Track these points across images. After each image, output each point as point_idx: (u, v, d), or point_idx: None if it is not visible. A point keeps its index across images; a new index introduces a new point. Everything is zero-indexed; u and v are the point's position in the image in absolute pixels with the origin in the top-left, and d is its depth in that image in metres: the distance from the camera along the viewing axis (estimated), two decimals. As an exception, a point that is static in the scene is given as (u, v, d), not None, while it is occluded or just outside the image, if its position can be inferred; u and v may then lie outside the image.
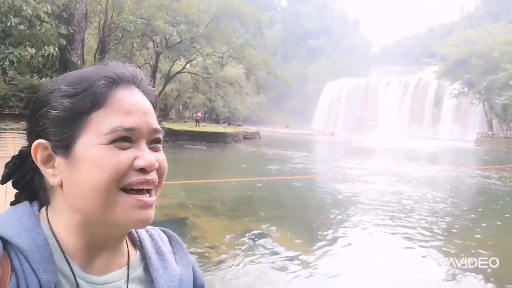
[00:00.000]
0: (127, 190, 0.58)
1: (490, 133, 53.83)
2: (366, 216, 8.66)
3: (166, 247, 0.73)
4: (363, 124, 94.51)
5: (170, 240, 0.76)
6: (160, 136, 0.63)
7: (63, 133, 0.59)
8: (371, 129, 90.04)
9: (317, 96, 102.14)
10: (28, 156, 0.63)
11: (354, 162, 21.04)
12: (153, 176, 0.60)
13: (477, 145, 49.70)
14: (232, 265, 5.23)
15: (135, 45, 25.80)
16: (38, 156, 0.60)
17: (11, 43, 15.76)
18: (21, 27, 14.67)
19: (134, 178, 0.57)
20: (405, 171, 17.77)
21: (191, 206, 8.58)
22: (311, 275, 5.19)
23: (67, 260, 0.59)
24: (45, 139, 0.60)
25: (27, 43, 15.80)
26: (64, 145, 0.59)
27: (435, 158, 30.09)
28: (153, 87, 0.69)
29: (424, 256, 6.14)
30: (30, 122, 0.63)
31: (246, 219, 7.67)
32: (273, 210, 8.90)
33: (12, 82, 18.78)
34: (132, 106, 0.60)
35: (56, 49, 15.73)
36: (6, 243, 0.55)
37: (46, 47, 15.41)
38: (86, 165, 0.57)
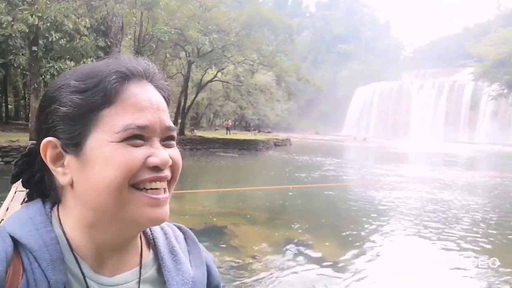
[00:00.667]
0: (140, 188, 0.56)
1: (532, 136, 51.28)
2: (405, 225, 8.37)
3: (180, 245, 0.70)
4: (396, 129, 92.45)
5: (185, 237, 0.73)
6: (174, 133, 0.61)
7: (73, 131, 0.57)
8: (405, 134, 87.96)
9: (347, 101, 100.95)
10: (37, 154, 0.61)
11: (388, 168, 20.54)
12: (166, 173, 0.58)
13: (519, 149, 47.48)
14: (276, 276, 5.16)
15: (167, 55, 26.34)
16: (47, 155, 0.58)
17: (52, 57, 16.45)
18: (62, 41, 15.28)
19: (147, 176, 0.56)
20: (444, 177, 17.16)
21: (228, 214, 8.58)
22: (353, 283, 5.07)
23: (77, 260, 0.58)
24: (54, 136, 0.58)
25: (67, 56, 16.44)
26: (74, 143, 0.57)
27: (475, 163, 28.95)
28: (166, 81, 0.66)
29: (465, 270, 5.85)
30: (39, 119, 0.61)
31: (285, 228, 7.59)
32: (311, 219, 8.76)
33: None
34: (145, 102, 0.58)
35: (94, 61, 16.25)
36: (17, 242, 0.55)
37: (84, 60, 15.98)
38: (98, 163, 0.55)
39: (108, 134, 0.55)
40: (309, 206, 10.46)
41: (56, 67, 15.28)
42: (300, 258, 5.91)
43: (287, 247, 6.36)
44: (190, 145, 26.21)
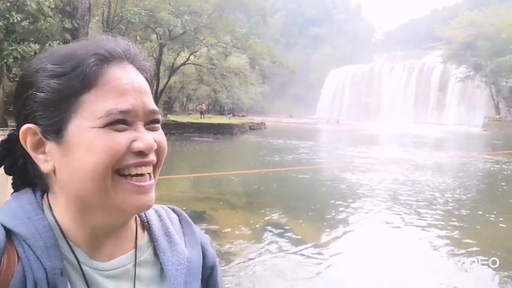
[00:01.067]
0: (125, 174, 0.55)
1: (497, 117, 53.36)
2: (380, 206, 8.56)
3: (175, 227, 0.69)
4: (368, 111, 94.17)
5: (180, 219, 0.71)
6: (158, 116, 0.59)
7: (53, 117, 0.55)
8: (376, 116, 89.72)
9: (320, 84, 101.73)
10: (18, 140, 0.58)
11: (361, 150, 20.90)
12: (152, 157, 0.57)
13: (484, 130, 49.34)
14: (257, 259, 5.17)
15: (138, 38, 25.62)
16: (27, 142, 0.57)
17: (14, 39, 15.61)
18: (25, 23, 14.51)
19: (132, 161, 0.55)
20: (415, 158, 17.62)
21: (206, 199, 8.53)
22: (332, 265, 5.16)
23: (70, 247, 0.57)
24: (33, 123, 0.56)
25: (31, 39, 15.65)
26: (54, 130, 0.55)
27: (443, 144, 29.87)
28: (147, 61, 0.63)
29: (435, 248, 6.04)
30: (17, 104, 0.59)
31: (263, 212, 7.60)
32: (287, 202, 8.83)
33: (16, 79, 18.69)
34: (127, 85, 0.55)
35: (61, 44, 15.59)
36: (10, 231, 0.54)
37: (50, 42, 15.27)
38: (80, 150, 0.53)
39: (90, 120, 0.53)
40: (285, 190, 10.52)
41: (19, 50, 14.53)
42: (279, 241, 5.94)
43: (266, 230, 6.38)
44: (164, 130, 23.76)
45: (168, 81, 30.05)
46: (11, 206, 0.58)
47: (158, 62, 27.14)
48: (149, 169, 0.57)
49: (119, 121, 0.54)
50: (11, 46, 14.92)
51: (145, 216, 0.67)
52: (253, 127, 37.75)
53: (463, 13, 68.57)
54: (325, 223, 7.13)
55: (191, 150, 19.91)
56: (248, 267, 4.94)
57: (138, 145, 0.54)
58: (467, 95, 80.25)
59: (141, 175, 0.56)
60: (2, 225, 0.54)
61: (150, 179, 0.57)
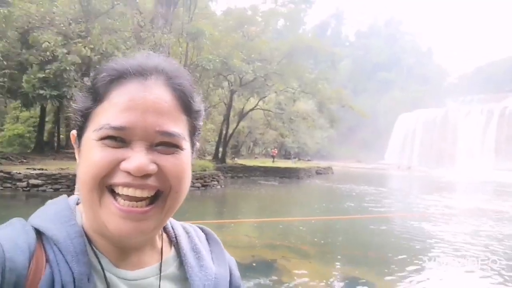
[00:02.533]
0: (116, 193, 0.55)
1: None
2: (463, 263, 7.60)
3: (203, 244, 0.70)
4: (441, 157, 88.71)
5: (208, 238, 0.73)
6: (173, 140, 0.56)
7: (79, 126, 0.60)
8: (451, 162, 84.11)
9: (389, 129, 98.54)
10: None
11: (437, 199, 19.35)
12: (149, 182, 0.54)
13: None
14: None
15: (211, 85, 26.84)
16: (74, 145, 0.62)
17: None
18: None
19: (120, 180, 0.54)
20: (497, 208, 15.87)
21: (276, 246, 8.17)
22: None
23: (95, 254, 0.58)
24: (75, 129, 0.62)
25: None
26: (79, 137, 0.60)
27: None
28: (187, 77, 0.62)
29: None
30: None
31: (338, 263, 7.08)
32: (363, 252, 8.18)
33: None
34: (130, 102, 0.55)
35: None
36: (41, 235, 0.56)
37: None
38: (81, 159, 0.58)
39: (92, 132, 0.57)
40: (358, 239, 9.85)
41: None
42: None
43: (344, 283, 5.87)
44: (232, 173, 26.15)
45: (237, 126, 30.82)
46: (46, 211, 0.61)
47: (229, 108, 28.05)
48: (144, 193, 0.54)
49: (113, 137, 0.54)
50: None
51: (173, 232, 0.68)
52: (319, 172, 37.04)
53: (548, 54, 63.78)
54: (401, 278, 6.43)
55: (256, 193, 19.78)
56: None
57: (124, 166, 0.54)
58: (557, 140, 72.78)
59: (134, 197, 0.54)
60: (34, 228, 0.57)
61: (147, 205, 0.55)
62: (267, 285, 5.51)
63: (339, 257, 7.62)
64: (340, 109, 33.13)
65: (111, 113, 0.55)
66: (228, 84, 27.01)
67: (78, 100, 0.59)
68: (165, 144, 0.55)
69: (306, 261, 7.17)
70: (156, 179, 0.54)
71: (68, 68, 14.62)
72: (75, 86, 18.40)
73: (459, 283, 6.46)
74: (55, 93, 19.88)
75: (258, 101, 28.60)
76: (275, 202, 17.09)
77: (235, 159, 34.15)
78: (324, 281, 5.96)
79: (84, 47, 13.82)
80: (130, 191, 0.54)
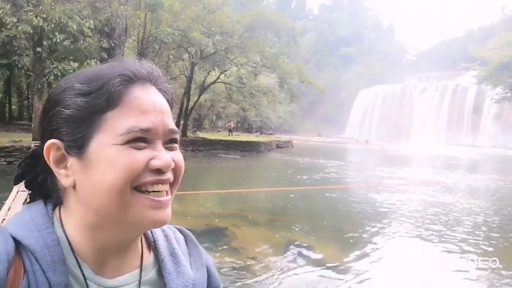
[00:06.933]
0: (142, 190, 0.57)
1: (535, 139, 51.01)
2: (407, 228, 8.37)
3: (181, 248, 0.71)
4: (399, 132, 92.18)
5: (186, 240, 0.73)
6: (177, 136, 0.61)
7: (77, 133, 0.57)
8: (407, 136, 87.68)
9: (350, 104, 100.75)
10: (40, 156, 0.61)
11: (390, 170, 20.51)
12: (169, 176, 0.58)
13: (522, 153, 47.25)
14: (277, 277, 5.18)
15: (171, 57, 26.43)
16: (50, 157, 0.59)
17: (56, 58, 16.52)
18: (66, 42, 15.35)
19: (150, 178, 0.56)
20: (446, 180, 17.12)
21: (230, 215, 8.61)
22: (355, 285, 5.08)
23: (78, 261, 0.58)
24: (58, 139, 0.58)
25: (71, 57, 16.51)
26: (77, 145, 0.57)
27: (477, 167, 28.86)
28: (169, 84, 0.66)
29: (467, 272, 5.85)
30: (43, 121, 0.61)
31: (286, 230, 7.61)
32: (312, 220, 8.77)
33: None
34: (148, 105, 0.58)
35: (98, 62, 16.35)
36: (18, 243, 0.55)
37: (88, 61, 16.05)
38: (101, 165, 0.55)
39: (111, 137, 0.55)
40: (311, 208, 10.47)
41: (59, 68, 15.34)
42: (302, 260, 5.92)
43: (289, 248, 6.38)
44: (193, 147, 26.25)
45: (198, 99, 30.69)
46: (22, 217, 0.60)
47: (189, 80, 27.81)
48: (166, 187, 0.59)
49: (139, 139, 0.56)
50: (53, 64, 15.79)
51: (152, 236, 0.69)
52: (280, 145, 37.73)
53: (499, 34, 66.77)
54: (350, 243, 7.06)
55: (218, 166, 20.15)
56: (269, 285, 4.95)
57: (156, 163, 0.56)
58: (504, 117, 77.39)
59: (158, 191, 0.58)
60: (12, 236, 0.56)
61: (167, 195, 0.59)
62: (216, 249, 5.93)
63: (288, 224, 8.15)
64: (302, 84, 33.63)
65: (133, 116, 0.56)
66: (189, 56, 26.69)
67: (76, 107, 0.57)
68: (172, 141, 0.61)
69: (255, 228, 7.65)
70: (171, 173, 0.59)
71: (18, 36, 14.03)
72: (27, 55, 17.70)
73: (404, 247, 7.14)
74: (4, 61, 19.01)
75: (220, 75, 28.50)
76: (234, 175, 17.53)
77: (197, 132, 34.13)
78: (268, 245, 6.46)
79: (36, 16, 13.27)
80: (160, 187, 0.57)
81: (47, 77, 15.96)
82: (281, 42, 34.24)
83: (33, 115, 17.28)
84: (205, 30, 23.19)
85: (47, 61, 16.12)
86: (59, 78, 16.21)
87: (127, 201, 0.55)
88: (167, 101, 0.63)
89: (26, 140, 15.18)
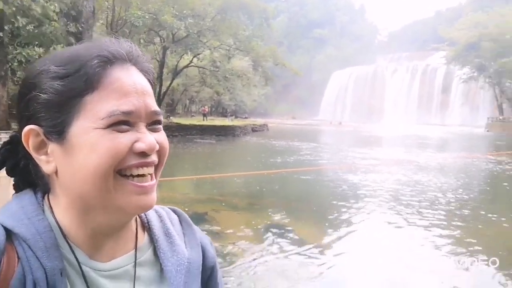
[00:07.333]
0: (127, 175, 0.55)
1: (500, 117, 53.11)
2: (382, 207, 8.59)
3: (175, 228, 0.70)
4: (371, 113, 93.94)
5: (180, 219, 0.72)
6: (160, 117, 0.60)
7: (56, 118, 0.55)
8: (379, 117, 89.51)
9: (323, 86, 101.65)
10: (20, 142, 0.59)
11: (364, 151, 20.90)
12: (153, 158, 0.57)
13: (488, 130, 49.14)
14: (258, 260, 5.22)
15: (141, 41, 25.77)
16: (29, 143, 0.57)
17: (19, 43, 15.79)
18: (30, 27, 14.67)
19: (134, 161, 0.55)
20: (418, 159, 17.61)
21: (208, 200, 8.59)
22: (335, 265, 5.20)
23: (70, 247, 0.57)
24: (36, 124, 0.56)
25: (36, 42, 15.81)
26: (57, 131, 0.55)
27: (446, 145, 29.81)
28: (150, 63, 0.64)
29: (437, 248, 6.06)
30: (19, 106, 0.59)
31: (264, 213, 7.66)
32: (289, 203, 8.87)
33: (20, 83, 18.88)
34: (130, 87, 0.56)
35: (65, 47, 15.71)
36: (10, 232, 0.55)
37: (54, 46, 15.42)
38: (83, 150, 0.54)
39: (92, 121, 0.54)
40: (287, 191, 10.56)
41: (24, 53, 14.70)
42: (281, 242, 5.98)
43: (267, 231, 6.43)
44: (167, 132, 23.62)
45: (171, 84, 30.20)
46: (12, 207, 0.59)
47: (161, 65, 27.28)
48: (151, 169, 0.57)
49: (122, 122, 0.54)
50: (16, 50, 15.11)
51: (146, 217, 0.68)
52: (255, 129, 37.77)
53: (467, 14, 68.37)
54: (327, 224, 7.17)
55: (193, 152, 19.99)
56: (250, 268, 4.99)
57: (140, 146, 0.55)
58: (471, 96, 79.97)
59: (143, 175, 0.56)
60: (2, 225, 0.55)
61: (151, 180, 0.58)
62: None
63: (266, 207, 8.21)
64: (276, 67, 33.58)
65: (114, 98, 0.55)
66: (160, 40, 26.14)
67: (53, 91, 0.55)
68: (155, 122, 0.59)
69: (234, 212, 7.68)
70: (155, 155, 0.58)
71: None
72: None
73: (381, 227, 7.30)
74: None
75: (192, 58, 28.10)
76: (210, 159, 17.45)
77: (170, 117, 33.65)
78: (249, 228, 6.50)
79: (-5, -2, 12.58)
80: (144, 170, 0.56)
81: (10, 64, 15.28)
82: (254, 25, 33.94)
83: (-3, 104, 16.55)
84: (177, 13, 22.69)
85: (10, 46, 15.41)
86: (24, 64, 15.55)
87: (110, 186, 0.54)
88: (149, 81, 0.61)
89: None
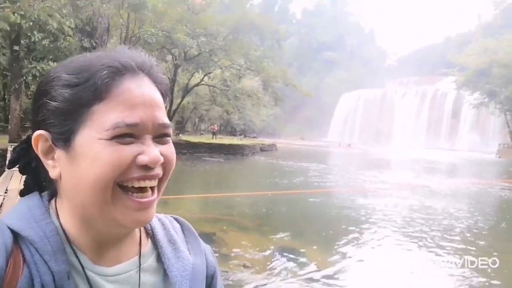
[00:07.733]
0: (128, 186, 0.55)
1: (512, 144, 52.46)
2: (394, 233, 8.33)
3: (178, 235, 0.70)
4: (380, 136, 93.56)
5: (183, 228, 0.73)
6: (168, 130, 0.59)
7: (63, 126, 0.56)
8: (388, 140, 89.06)
9: (332, 108, 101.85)
10: None
11: (374, 174, 20.62)
12: (157, 171, 0.57)
13: (499, 156, 48.50)
14: (267, 284, 5.02)
15: (154, 58, 26.08)
16: (39, 147, 0.58)
17: (34, 58, 16.04)
18: (45, 41, 14.91)
19: (136, 174, 0.55)
20: (429, 184, 17.29)
21: (216, 220, 8.41)
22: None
23: (75, 252, 0.58)
24: (45, 130, 0.57)
25: (50, 57, 16.05)
26: (63, 138, 0.56)
27: (456, 170, 29.37)
28: (164, 74, 0.63)
29: (451, 275, 5.81)
30: (32, 111, 0.60)
31: (274, 234, 7.45)
32: (298, 225, 8.65)
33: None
34: (137, 98, 0.56)
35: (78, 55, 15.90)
36: (17, 235, 0.55)
37: (68, 61, 15.61)
38: (86, 160, 0.54)
39: (98, 131, 0.54)
40: (296, 212, 10.35)
41: (38, 68, 14.89)
42: (291, 265, 5.78)
43: (277, 254, 6.23)
44: (176, 150, 25.28)
45: (181, 102, 30.39)
46: (20, 209, 0.59)
47: (172, 83, 27.49)
48: (154, 182, 0.57)
49: (126, 135, 0.54)
50: (31, 64, 15.31)
51: (149, 225, 0.68)
52: (264, 149, 37.68)
53: (476, 40, 68.65)
54: (337, 248, 6.94)
55: (202, 170, 19.87)
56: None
57: (143, 159, 0.54)
58: (481, 121, 79.43)
59: (144, 188, 0.56)
60: (9, 228, 0.55)
61: (152, 194, 0.57)
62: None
63: (276, 229, 8.00)
64: (286, 88, 33.72)
65: (120, 110, 0.54)
66: (172, 58, 26.42)
67: (62, 99, 0.55)
68: (163, 134, 0.58)
69: (244, 234, 7.48)
70: (160, 168, 0.57)
71: (-6, 34, 13.57)
72: (3, 54, 17.11)
73: (392, 252, 7.06)
74: (-21, 61, 18.33)
75: (203, 77, 28.32)
76: (219, 178, 17.30)
77: (180, 135, 33.74)
78: (258, 249, 6.30)
79: (13, 13, 12.80)
80: (146, 183, 0.55)
81: (24, 78, 15.47)
82: (265, 45, 34.29)
83: (10, 116, 16.67)
84: (189, 32, 22.98)
85: (25, 60, 15.63)
86: (38, 78, 15.73)
87: (108, 198, 0.54)
88: (161, 92, 0.61)
89: (2, 142, 14.61)
